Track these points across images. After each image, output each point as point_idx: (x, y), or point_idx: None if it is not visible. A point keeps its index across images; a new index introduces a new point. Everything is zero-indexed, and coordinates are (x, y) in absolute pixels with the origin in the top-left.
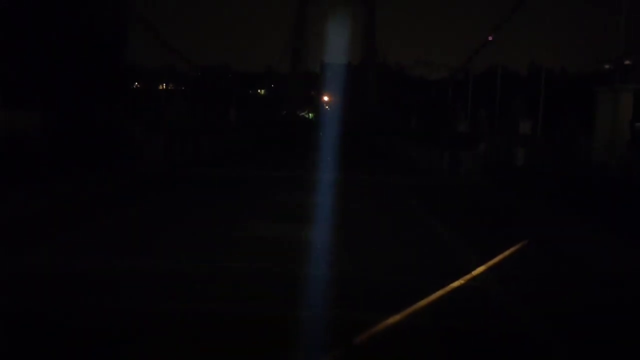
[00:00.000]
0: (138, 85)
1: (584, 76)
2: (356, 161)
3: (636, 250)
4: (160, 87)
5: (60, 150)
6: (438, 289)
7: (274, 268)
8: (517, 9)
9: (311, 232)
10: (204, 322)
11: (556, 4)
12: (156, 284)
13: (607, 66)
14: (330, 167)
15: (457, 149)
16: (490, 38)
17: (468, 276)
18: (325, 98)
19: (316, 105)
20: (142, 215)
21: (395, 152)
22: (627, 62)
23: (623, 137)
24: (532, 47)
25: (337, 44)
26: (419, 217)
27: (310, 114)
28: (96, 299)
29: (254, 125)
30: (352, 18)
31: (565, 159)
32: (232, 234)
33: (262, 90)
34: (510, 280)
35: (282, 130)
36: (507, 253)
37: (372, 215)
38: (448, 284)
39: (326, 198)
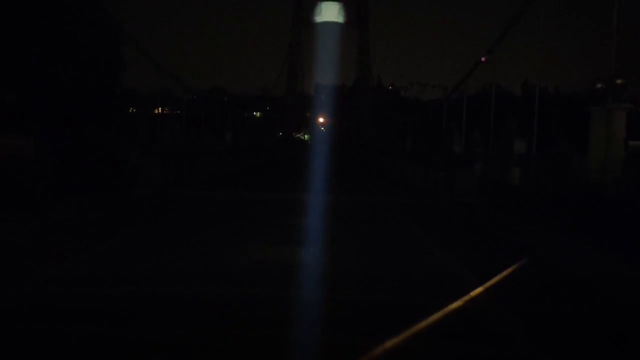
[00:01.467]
0: (134, 110)
1: (577, 95)
2: (352, 182)
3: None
4: (156, 111)
5: (54, 176)
6: (436, 311)
7: (268, 292)
8: (510, 29)
9: (306, 255)
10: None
11: (550, 24)
12: (153, 311)
13: (599, 85)
14: (326, 189)
15: (452, 169)
16: (483, 59)
17: (466, 297)
18: (321, 119)
19: (311, 126)
20: (137, 241)
21: (390, 173)
22: (619, 81)
23: (617, 156)
24: (526, 67)
25: (331, 66)
26: (415, 238)
27: (305, 136)
28: (95, 326)
29: (249, 148)
30: (346, 41)
31: (560, 178)
32: (228, 258)
33: (258, 113)
34: (509, 301)
35: (278, 152)
36: (505, 273)
37: (368, 237)
38: (446, 305)
39: (321, 220)
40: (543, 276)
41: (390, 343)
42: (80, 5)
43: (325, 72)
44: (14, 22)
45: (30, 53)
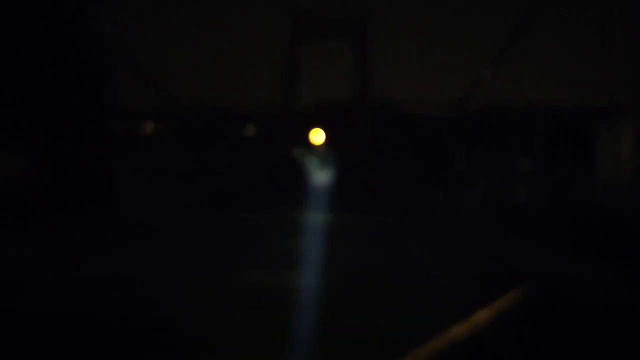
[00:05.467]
0: (125, 127)
1: (581, 113)
2: (350, 202)
3: None
4: (148, 129)
5: (43, 196)
6: (437, 336)
7: (262, 317)
8: (512, 45)
9: (302, 279)
10: None
11: (553, 41)
12: (146, 337)
13: (604, 103)
14: (323, 208)
15: (455, 188)
16: (485, 74)
17: (469, 321)
18: (317, 137)
19: (308, 143)
20: (127, 265)
21: (390, 192)
22: (625, 98)
23: (624, 175)
24: (529, 84)
25: (329, 83)
26: (415, 258)
27: (303, 153)
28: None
29: (245, 166)
30: (344, 57)
31: (566, 197)
32: (222, 282)
33: (254, 130)
34: (512, 325)
35: (274, 169)
36: (509, 297)
37: (367, 258)
38: (447, 330)
39: (318, 242)
40: (546, 300)
41: None
42: (66, 18)
43: (323, 89)
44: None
45: (18, 70)
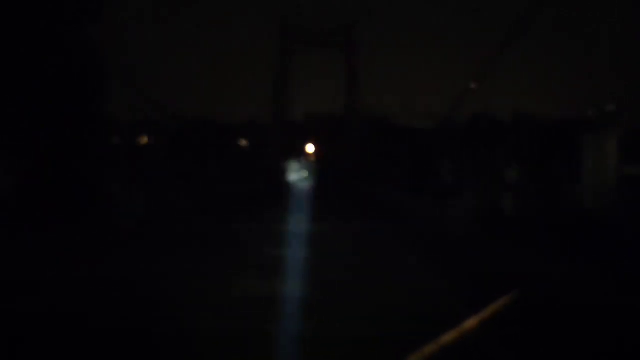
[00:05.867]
0: (117, 138)
1: (568, 122)
2: (341, 211)
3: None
4: (139, 140)
5: (33, 206)
6: (428, 343)
7: (252, 326)
8: (499, 55)
9: (291, 287)
10: None
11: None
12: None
13: (590, 112)
14: (315, 218)
15: (444, 198)
16: (473, 86)
17: (459, 328)
18: (309, 147)
19: (299, 154)
20: (116, 275)
21: (380, 201)
22: (610, 107)
23: (609, 183)
24: (516, 94)
25: (319, 94)
26: (406, 266)
27: (294, 164)
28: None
29: (236, 177)
30: (334, 68)
31: (553, 205)
32: (213, 293)
33: (245, 141)
34: (502, 332)
35: (265, 180)
36: (499, 303)
37: (358, 266)
38: (439, 337)
39: (310, 251)
40: (537, 305)
41: None
42: (60, 31)
43: (314, 100)
44: None
45: (12, 81)
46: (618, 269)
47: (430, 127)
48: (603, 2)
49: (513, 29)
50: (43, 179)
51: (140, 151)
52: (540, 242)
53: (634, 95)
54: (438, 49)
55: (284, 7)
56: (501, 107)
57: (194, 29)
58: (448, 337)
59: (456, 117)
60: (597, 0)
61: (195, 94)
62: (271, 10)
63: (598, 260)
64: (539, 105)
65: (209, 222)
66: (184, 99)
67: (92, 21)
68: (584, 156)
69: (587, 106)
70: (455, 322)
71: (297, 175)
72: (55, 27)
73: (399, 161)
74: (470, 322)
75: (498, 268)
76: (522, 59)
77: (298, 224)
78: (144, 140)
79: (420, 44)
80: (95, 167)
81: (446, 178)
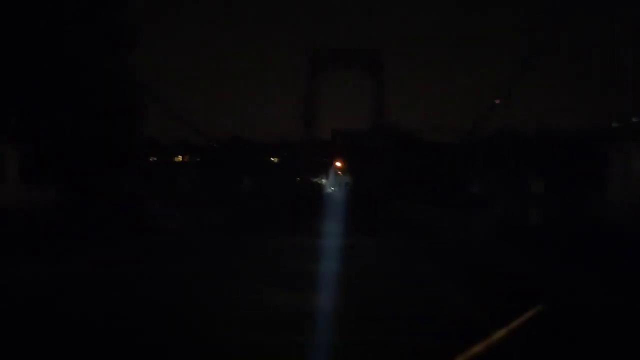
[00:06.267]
0: (155, 159)
1: (592, 134)
2: (369, 225)
3: None
4: (176, 159)
5: (75, 225)
6: (456, 355)
7: (285, 338)
8: (525, 71)
9: (323, 301)
10: None
11: (563, 65)
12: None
13: (614, 124)
14: (340, 232)
15: (470, 211)
16: (497, 101)
17: (487, 340)
18: (338, 164)
19: (328, 171)
20: (151, 289)
21: (407, 215)
22: (635, 119)
23: (634, 195)
24: (540, 107)
25: (347, 111)
26: (433, 280)
27: (323, 180)
28: None
29: (267, 193)
30: (362, 85)
31: (578, 218)
32: (246, 304)
33: (275, 159)
34: (530, 343)
35: (296, 196)
36: (527, 315)
37: (385, 279)
38: (467, 349)
39: (338, 265)
40: (564, 318)
41: None
42: (101, 61)
43: (342, 118)
44: (36, 78)
45: (53, 108)
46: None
47: (456, 142)
48: (626, 14)
49: (535, 47)
50: (88, 194)
51: (177, 169)
52: (567, 255)
53: None
54: (462, 65)
55: (313, 30)
56: (525, 120)
57: (227, 52)
58: (478, 348)
59: (481, 131)
60: (620, 12)
61: (228, 113)
62: (301, 33)
63: (623, 273)
64: (562, 118)
65: (242, 236)
66: (218, 119)
67: (130, 48)
68: (608, 168)
69: (611, 118)
70: (484, 333)
71: (329, 189)
72: (100, 56)
73: (424, 174)
74: (499, 334)
75: (525, 280)
76: (544, 73)
77: (328, 238)
78: (180, 159)
79: (445, 60)
80: (137, 184)
81: (473, 191)
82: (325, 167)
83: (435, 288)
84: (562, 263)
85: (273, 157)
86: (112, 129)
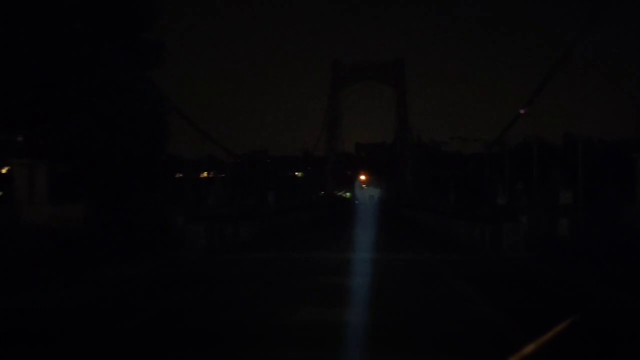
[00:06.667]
0: (180, 175)
1: (621, 143)
2: (396, 239)
3: None
4: (201, 175)
5: (100, 242)
6: None
7: (315, 354)
8: (549, 80)
9: (352, 317)
10: None
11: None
12: None
13: None
14: (369, 247)
15: (498, 223)
16: (522, 111)
17: (518, 356)
18: (362, 177)
19: (353, 184)
20: (185, 305)
21: (434, 228)
22: None
23: None
24: (567, 116)
25: (370, 123)
26: (462, 294)
27: (347, 193)
28: None
29: (293, 208)
30: (384, 98)
31: (609, 228)
32: (273, 320)
33: (300, 173)
34: (561, 357)
35: (321, 210)
36: (557, 329)
37: (412, 295)
38: None
39: (365, 280)
40: (595, 333)
41: None
42: (127, 79)
43: (365, 131)
44: (65, 96)
45: (82, 126)
46: None
47: (482, 152)
48: None
49: (561, 55)
50: (116, 212)
51: (203, 185)
52: (598, 268)
53: None
54: (487, 75)
55: (336, 43)
56: (552, 130)
57: (250, 67)
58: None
59: (507, 142)
60: None
61: (252, 128)
62: (324, 46)
63: None
64: (589, 127)
65: (270, 254)
66: (242, 134)
67: (157, 66)
68: (638, 177)
69: (638, 126)
70: (514, 348)
71: (357, 201)
72: (127, 73)
73: (450, 187)
74: (529, 348)
75: (555, 294)
76: (570, 82)
77: (358, 252)
78: (205, 174)
79: (469, 71)
80: (162, 202)
81: (500, 202)
82: (349, 181)
83: (472, 306)
84: (593, 276)
85: (297, 171)
86: (138, 146)
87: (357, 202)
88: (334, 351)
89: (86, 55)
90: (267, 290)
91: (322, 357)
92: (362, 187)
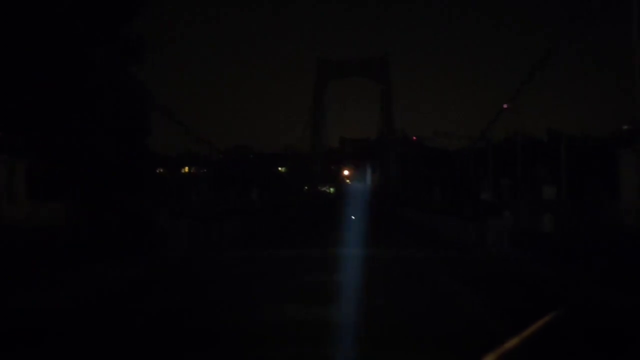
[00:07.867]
0: (162, 171)
1: (603, 138)
2: (381, 235)
3: None
4: (183, 171)
5: (82, 241)
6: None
7: (305, 351)
8: (532, 76)
9: (340, 313)
10: None
11: (571, 69)
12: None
13: (625, 127)
14: (355, 243)
15: (482, 219)
16: (505, 106)
17: (501, 349)
18: (346, 172)
19: (337, 179)
20: (173, 305)
21: (418, 224)
22: None
23: None
24: (550, 112)
25: (354, 119)
26: (447, 291)
27: (331, 189)
28: None
29: (276, 204)
30: (369, 93)
31: (592, 223)
32: (260, 318)
33: (283, 169)
34: (544, 353)
35: (305, 206)
36: (539, 324)
37: (399, 291)
38: (481, 358)
39: (351, 277)
40: (578, 327)
41: None
42: (106, 73)
43: (349, 126)
44: (44, 91)
45: (60, 122)
46: None
47: (466, 148)
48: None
49: (546, 51)
50: (96, 210)
51: (185, 181)
52: (581, 263)
53: None
54: (471, 71)
55: (320, 39)
56: (535, 126)
57: (233, 62)
58: (490, 357)
59: (491, 137)
60: (627, 16)
61: (234, 124)
62: (308, 42)
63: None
64: (572, 123)
65: (254, 252)
66: (224, 129)
67: (138, 62)
68: (621, 172)
69: (621, 121)
70: (498, 342)
71: (341, 196)
72: (106, 69)
73: (434, 182)
74: (512, 342)
75: (539, 290)
76: (553, 78)
77: (345, 248)
78: (186, 170)
79: (453, 67)
80: (143, 200)
81: (484, 198)
82: (333, 176)
83: (450, 297)
84: (577, 270)
85: (280, 167)
86: (119, 141)
87: (340, 197)
88: (320, 348)
89: (62, 48)
90: (253, 288)
91: (309, 354)
92: (347, 182)
